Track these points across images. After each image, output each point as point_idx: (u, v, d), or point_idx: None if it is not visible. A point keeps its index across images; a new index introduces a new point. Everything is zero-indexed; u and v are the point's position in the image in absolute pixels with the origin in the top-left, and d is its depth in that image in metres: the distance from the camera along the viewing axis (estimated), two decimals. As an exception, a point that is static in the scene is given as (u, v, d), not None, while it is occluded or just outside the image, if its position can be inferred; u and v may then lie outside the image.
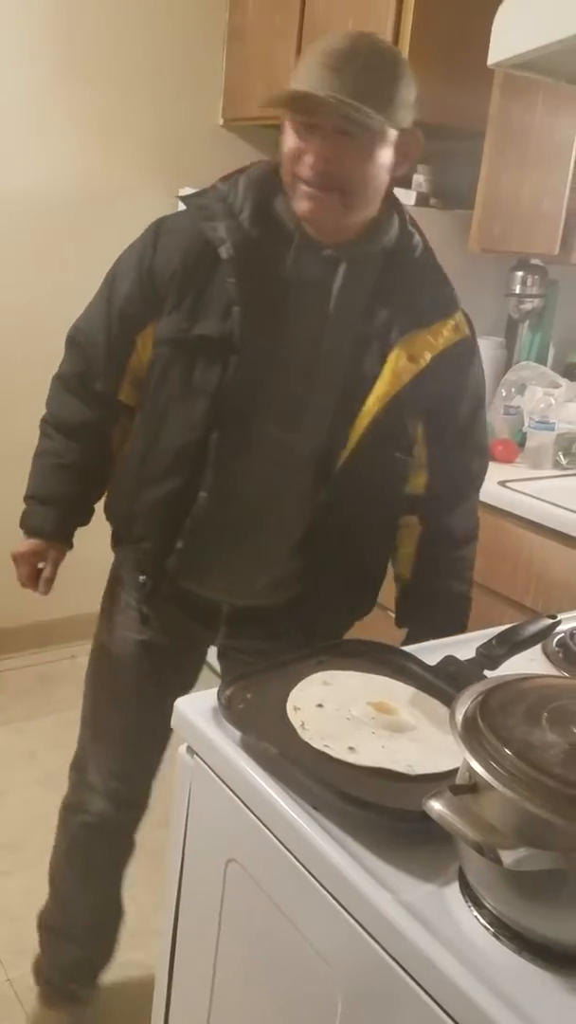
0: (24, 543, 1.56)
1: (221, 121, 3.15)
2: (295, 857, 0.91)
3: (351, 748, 0.99)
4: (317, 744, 0.99)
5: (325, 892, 0.87)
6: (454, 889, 0.84)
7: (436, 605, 1.56)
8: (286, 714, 1.04)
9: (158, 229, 1.38)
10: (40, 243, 2.88)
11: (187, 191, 1.43)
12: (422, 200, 2.68)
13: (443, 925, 0.79)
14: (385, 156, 1.24)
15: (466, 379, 1.43)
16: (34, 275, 2.89)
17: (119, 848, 1.71)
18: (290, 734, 1.01)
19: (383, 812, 0.89)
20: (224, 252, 1.28)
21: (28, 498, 1.56)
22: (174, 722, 1.11)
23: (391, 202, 1.36)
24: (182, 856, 1.12)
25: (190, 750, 1.09)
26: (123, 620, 1.56)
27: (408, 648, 1.24)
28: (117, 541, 1.54)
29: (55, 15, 2.75)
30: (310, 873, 0.89)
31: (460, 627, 1.56)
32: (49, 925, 1.76)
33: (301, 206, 1.27)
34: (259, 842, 0.96)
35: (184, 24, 2.97)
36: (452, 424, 1.45)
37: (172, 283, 1.33)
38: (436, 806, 0.74)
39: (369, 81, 1.17)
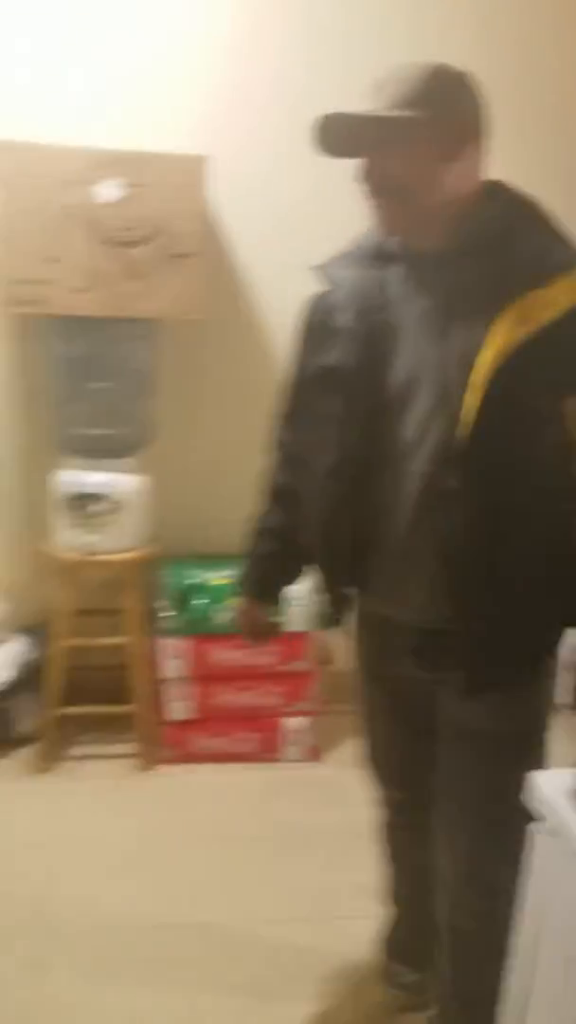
0: (238, 603, 1.78)
1: None
2: None
3: None
4: None
5: None
6: None
7: None
8: None
9: (308, 302, 1.52)
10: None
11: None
12: None
13: None
14: (420, 149, 1.27)
15: None
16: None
17: (408, 837, 1.77)
18: None
19: None
20: (334, 297, 1.41)
21: (243, 558, 1.75)
22: (531, 799, 1.10)
23: (487, 190, 1.36)
24: (530, 935, 1.10)
25: (546, 828, 1.07)
26: (354, 655, 1.66)
27: None
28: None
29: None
30: None
31: None
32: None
33: (378, 223, 1.37)
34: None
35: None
36: None
37: (314, 334, 1.48)
38: None
39: (392, 95, 1.27)
